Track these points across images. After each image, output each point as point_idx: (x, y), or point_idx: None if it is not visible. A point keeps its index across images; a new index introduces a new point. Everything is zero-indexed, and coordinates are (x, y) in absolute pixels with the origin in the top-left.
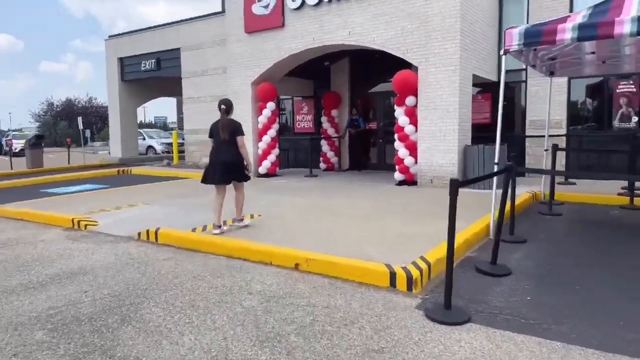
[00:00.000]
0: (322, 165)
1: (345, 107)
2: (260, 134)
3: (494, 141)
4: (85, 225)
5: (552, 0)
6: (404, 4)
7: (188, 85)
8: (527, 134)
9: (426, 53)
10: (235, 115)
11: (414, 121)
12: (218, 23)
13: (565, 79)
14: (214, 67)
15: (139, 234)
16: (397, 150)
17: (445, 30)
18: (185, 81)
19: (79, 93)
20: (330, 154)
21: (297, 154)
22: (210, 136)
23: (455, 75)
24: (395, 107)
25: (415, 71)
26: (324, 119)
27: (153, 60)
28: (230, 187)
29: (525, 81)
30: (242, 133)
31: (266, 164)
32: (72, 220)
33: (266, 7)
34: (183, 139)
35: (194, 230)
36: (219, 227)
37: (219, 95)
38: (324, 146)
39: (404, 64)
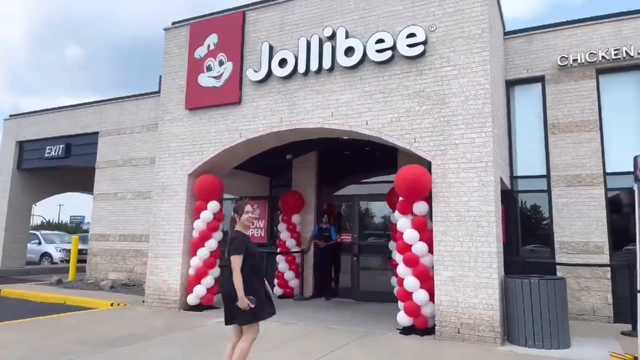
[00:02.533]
0: (278, 291)
1: (310, 212)
2: (195, 246)
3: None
4: None
5: (574, 91)
6: (408, 80)
7: (102, 177)
8: (556, 258)
9: (443, 144)
10: (161, 217)
11: (425, 237)
12: (153, 104)
13: (601, 189)
14: (141, 156)
15: None
16: (402, 280)
17: (470, 115)
18: (99, 172)
19: None
20: (288, 275)
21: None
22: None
23: (488, 175)
24: (398, 216)
25: (426, 168)
26: (281, 226)
27: (61, 146)
28: None
29: (549, 190)
30: (233, 251)
31: (199, 291)
32: None
33: (218, 77)
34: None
35: None
36: None
37: (143, 192)
38: (281, 263)
39: (391, 160)
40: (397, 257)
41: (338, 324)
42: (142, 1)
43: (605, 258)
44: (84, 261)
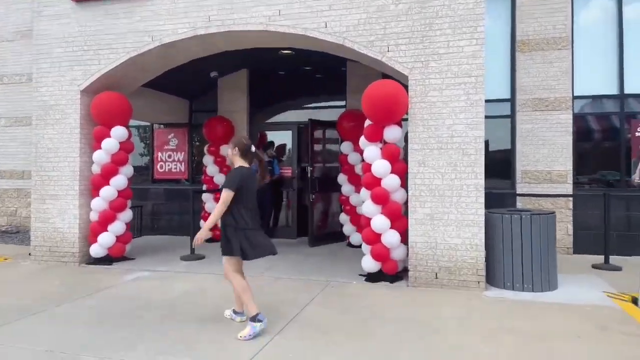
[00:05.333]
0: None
1: None
2: (97, 184)
3: None
4: None
5: (548, 2)
6: None
7: None
8: (518, 189)
9: (424, 53)
10: (46, 147)
11: (398, 169)
12: (28, 2)
13: (569, 114)
14: (15, 72)
15: None
16: (368, 220)
17: (458, 17)
18: None
19: None
20: None
21: (159, 215)
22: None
23: (477, 93)
24: (364, 144)
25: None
26: (207, 159)
27: None
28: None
29: (512, 116)
30: (224, 184)
31: (105, 240)
32: None
33: None
34: None
35: None
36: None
37: (22, 117)
38: (209, 203)
39: (338, 83)
40: (362, 194)
41: (289, 273)
42: None
43: (568, 187)
44: None
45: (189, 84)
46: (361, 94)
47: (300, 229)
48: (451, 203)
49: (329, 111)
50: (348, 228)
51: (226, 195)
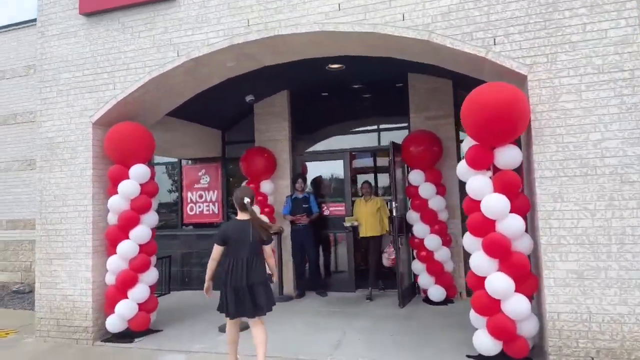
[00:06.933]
0: None
1: (285, 175)
2: (113, 238)
3: None
4: None
5: None
6: None
7: None
8: None
9: (548, 43)
10: (52, 195)
11: (519, 206)
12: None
13: None
14: (28, 109)
15: None
16: (482, 279)
17: None
18: None
19: None
20: None
21: (190, 265)
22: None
23: (636, 93)
24: (467, 173)
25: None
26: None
27: None
28: None
29: None
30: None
31: (125, 309)
32: None
33: None
34: None
35: None
36: None
37: (31, 160)
38: None
39: (397, 101)
40: (467, 241)
41: (366, 354)
42: None
43: None
44: None
45: (221, 112)
46: (427, 111)
47: (359, 279)
48: (609, 254)
49: (387, 135)
50: (425, 280)
51: (214, 249)
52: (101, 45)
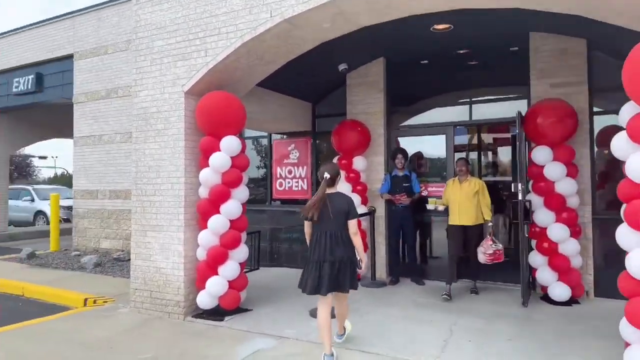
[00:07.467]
0: None
1: (379, 152)
2: (204, 212)
3: None
4: None
5: None
6: None
7: (82, 115)
8: None
9: None
10: (146, 166)
11: None
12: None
13: None
14: (129, 83)
15: None
16: None
17: None
18: (78, 109)
19: None
20: None
21: (278, 242)
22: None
23: None
24: (624, 146)
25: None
26: None
27: (31, 77)
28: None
29: None
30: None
31: (216, 286)
32: None
33: None
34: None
35: None
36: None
37: (131, 133)
38: None
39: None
40: (622, 235)
41: (472, 351)
42: None
43: None
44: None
45: (312, 83)
46: (553, 77)
47: (459, 267)
48: None
49: (500, 105)
50: (546, 275)
51: (305, 225)
52: (193, 10)
